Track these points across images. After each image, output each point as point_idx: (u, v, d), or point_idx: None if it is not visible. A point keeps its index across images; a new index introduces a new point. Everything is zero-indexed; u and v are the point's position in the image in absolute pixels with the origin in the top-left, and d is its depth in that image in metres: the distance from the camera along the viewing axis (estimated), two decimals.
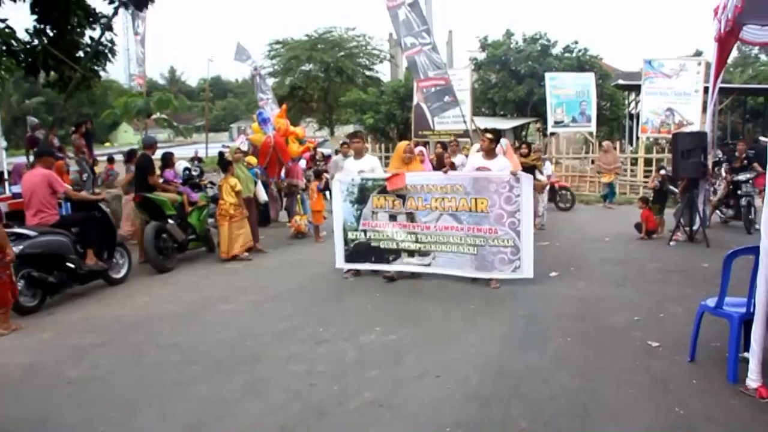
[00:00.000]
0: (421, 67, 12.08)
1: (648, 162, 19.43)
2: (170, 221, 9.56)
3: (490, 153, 8.00)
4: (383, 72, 37.65)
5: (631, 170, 20.34)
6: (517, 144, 17.50)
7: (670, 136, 16.35)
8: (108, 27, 12.15)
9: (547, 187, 13.85)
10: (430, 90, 12.34)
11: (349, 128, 36.86)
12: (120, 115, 36.48)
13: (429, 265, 8.13)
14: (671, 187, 12.17)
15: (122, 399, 4.59)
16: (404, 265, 8.26)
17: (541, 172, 12.28)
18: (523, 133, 28.93)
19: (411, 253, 8.22)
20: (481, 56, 28.93)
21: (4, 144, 10.78)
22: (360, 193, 8.41)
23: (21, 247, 6.91)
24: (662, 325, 6.06)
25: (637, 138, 21.43)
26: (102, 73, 13.13)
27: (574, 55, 26.94)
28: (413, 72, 12.82)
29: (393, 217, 8.26)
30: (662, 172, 12.60)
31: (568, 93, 21.16)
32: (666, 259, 9.34)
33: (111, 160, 16.21)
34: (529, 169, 10.20)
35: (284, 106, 10.41)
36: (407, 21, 11.92)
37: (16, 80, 34.52)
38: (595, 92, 21.25)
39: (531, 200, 7.61)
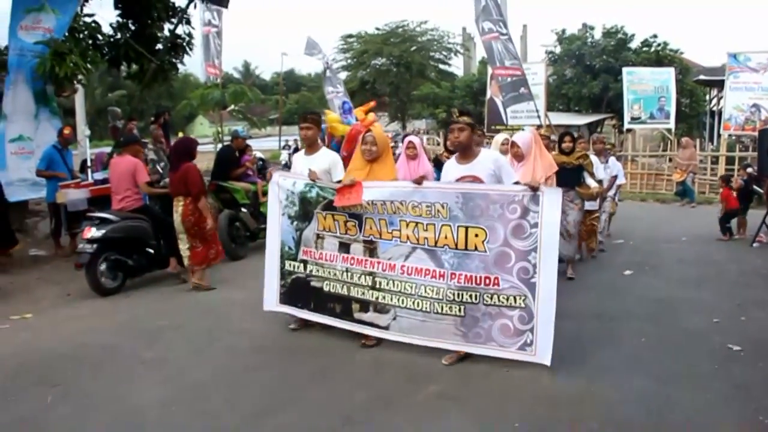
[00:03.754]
0: (497, 54, 12.02)
1: (730, 161, 18.60)
2: (243, 210, 9.76)
3: (466, 152, 5.05)
4: (457, 66, 37.46)
5: (712, 169, 19.55)
6: (553, 136, 11.44)
7: (755, 133, 15.64)
8: (186, 20, 12.48)
9: (611, 196, 10.26)
10: (506, 79, 12.24)
11: (421, 123, 36.81)
12: (196, 107, 37.52)
13: (388, 327, 5.20)
14: (756, 188, 11.60)
15: (192, 381, 4.70)
16: (352, 323, 5.38)
17: (591, 175, 7.88)
18: (598, 129, 28.25)
19: (365, 306, 5.31)
20: (557, 50, 28.39)
21: (88, 133, 11.23)
22: (301, 205, 5.61)
23: (104, 231, 7.21)
24: (744, 329, 5.78)
25: (719, 135, 20.59)
26: (180, 67, 13.50)
27: (652, 49, 26.14)
28: (489, 59, 12.78)
29: (344, 247, 5.40)
30: (748, 170, 12.03)
31: (645, 88, 20.52)
32: (748, 262, 8.92)
33: None
34: (573, 172, 7.69)
35: (373, 103, 10.44)
36: (486, 7, 11.90)
37: (100, 74, 35.92)
38: (674, 88, 20.53)
39: (557, 230, 4.65)
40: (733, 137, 19.35)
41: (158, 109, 13.71)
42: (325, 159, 5.81)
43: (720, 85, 21.03)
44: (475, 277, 4.81)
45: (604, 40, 26.72)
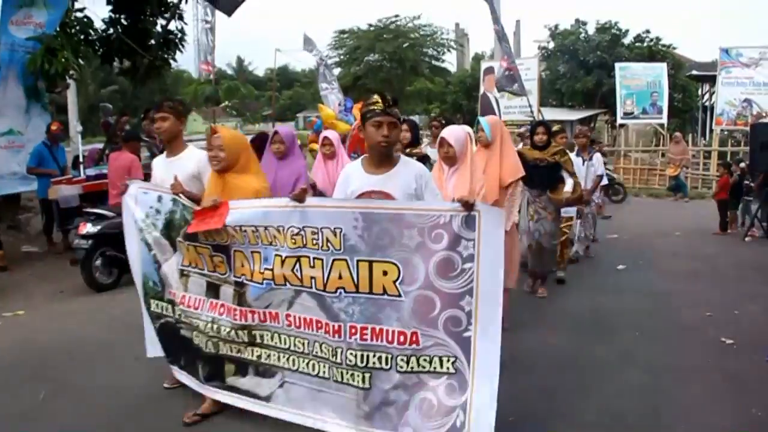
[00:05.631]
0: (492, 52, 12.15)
1: (722, 155, 18.66)
2: None
3: (383, 159, 3.54)
4: (450, 61, 37.47)
5: (704, 164, 19.60)
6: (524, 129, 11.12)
7: (747, 128, 15.69)
8: (178, 16, 12.41)
9: (595, 199, 9.02)
10: (504, 72, 12.39)
11: (415, 119, 36.86)
12: (189, 103, 37.45)
13: (269, 398, 3.76)
14: (746, 182, 11.65)
15: None
16: (225, 393, 3.92)
17: (572, 175, 6.53)
18: (591, 125, 28.32)
19: (242, 367, 3.85)
20: (550, 45, 28.45)
21: (81, 129, 11.17)
22: (166, 230, 4.05)
23: (99, 227, 7.19)
24: (737, 322, 5.80)
25: (711, 131, 20.66)
26: (173, 63, 13.43)
27: (645, 44, 26.20)
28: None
29: (213, 290, 3.89)
30: (741, 165, 12.07)
31: (638, 84, 20.55)
32: (741, 256, 8.96)
33: None
34: (547, 170, 6.44)
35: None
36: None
37: (93, 70, 35.81)
38: (667, 83, 20.56)
39: (500, 264, 3.21)
40: (726, 132, 19.42)
41: (151, 106, 13.65)
42: (191, 161, 4.23)
43: (712, 80, 21.06)
44: (385, 332, 3.32)
45: (597, 36, 26.76)
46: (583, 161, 8.08)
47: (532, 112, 15.71)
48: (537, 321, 5.90)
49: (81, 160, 10.14)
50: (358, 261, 3.33)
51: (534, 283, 6.92)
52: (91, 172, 9.69)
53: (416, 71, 34.04)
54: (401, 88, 32.85)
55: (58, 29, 9.66)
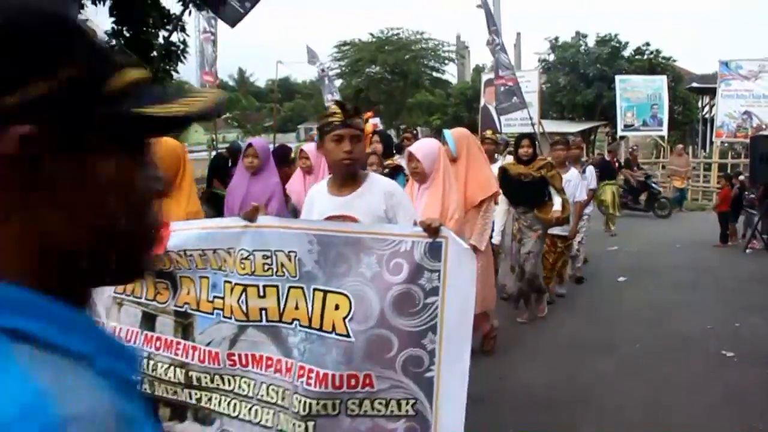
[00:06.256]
0: (492, 64, 12.14)
1: (722, 167, 18.69)
2: None
3: (348, 179, 3.10)
4: (451, 73, 37.61)
5: (704, 176, 19.63)
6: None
7: (747, 140, 15.73)
8: (181, 28, 12.49)
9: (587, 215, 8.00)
10: (500, 88, 12.33)
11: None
12: None
13: None
14: (746, 194, 11.67)
15: None
16: None
17: (560, 191, 5.99)
18: (592, 137, 28.39)
19: (178, 412, 3.28)
20: (551, 58, 28.59)
21: None
22: None
23: None
24: (738, 334, 5.80)
25: (711, 143, 20.71)
26: (174, 74, 13.50)
27: (645, 57, 26.31)
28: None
29: (148, 321, 3.30)
30: (740, 177, 12.10)
31: (639, 96, 20.64)
32: (742, 268, 8.95)
33: None
34: (533, 187, 5.91)
35: (371, 113, 10.41)
36: (488, 14, 12.02)
37: None
38: (667, 95, 20.65)
39: (470, 297, 2.74)
40: (726, 144, 19.47)
41: None
42: None
43: (712, 92, 21.15)
44: (331, 377, 2.76)
45: (597, 48, 26.89)
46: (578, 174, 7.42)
47: (532, 124, 15.75)
48: (536, 333, 5.90)
49: None
50: (314, 290, 2.82)
51: (528, 308, 6.32)
52: None
53: (417, 83, 34.19)
54: (403, 100, 32.96)
55: None
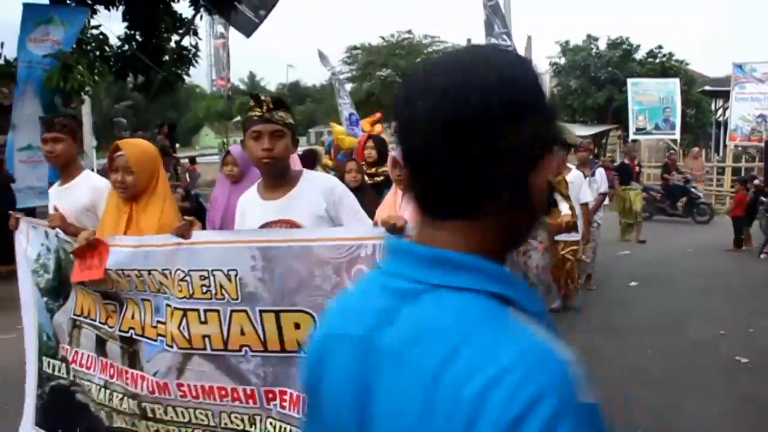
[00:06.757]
0: None
1: (736, 171, 18.55)
2: None
3: (278, 179, 2.77)
4: None
5: (717, 180, 19.49)
6: None
7: (761, 144, 15.61)
8: (193, 32, 12.57)
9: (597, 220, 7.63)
10: None
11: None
12: (202, 118, 37.74)
13: None
14: (762, 198, 11.57)
15: None
16: None
17: (566, 198, 5.37)
18: (603, 140, 28.28)
19: None
20: (561, 61, 28.52)
21: (95, 143, 11.30)
22: (57, 273, 3.21)
23: None
24: (751, 340, 5.76)
25: (724, 146, 20.56)
26: (186, 78, 13.57)
27: (657, 60, 26.18)
28: None
29: (101, 346, 3.02)
30: (755, 182, 11.99)
31: (651, 99, 20.51)
32: (755, 273, 8.90)
33: (193, 161, 16.84)
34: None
35: (379, 114, 10.30)
36: (488, 22, 11.90)
37: (107, 85, 36.33)
38: (679, 99, 20.51)
39: None
40: (740, 148, 19.32)
41: (164, 120, 13.78)
42: (84, 189, 3.46)
43: (725, 95, 21.03)
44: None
45: (608, 51, 26.82)
46: (585, 176, 6.92)
47: None
48: None
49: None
50: (261, 312, 2.57)
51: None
52: None
53: None
54: None
55: (74, 46, 9.81)
